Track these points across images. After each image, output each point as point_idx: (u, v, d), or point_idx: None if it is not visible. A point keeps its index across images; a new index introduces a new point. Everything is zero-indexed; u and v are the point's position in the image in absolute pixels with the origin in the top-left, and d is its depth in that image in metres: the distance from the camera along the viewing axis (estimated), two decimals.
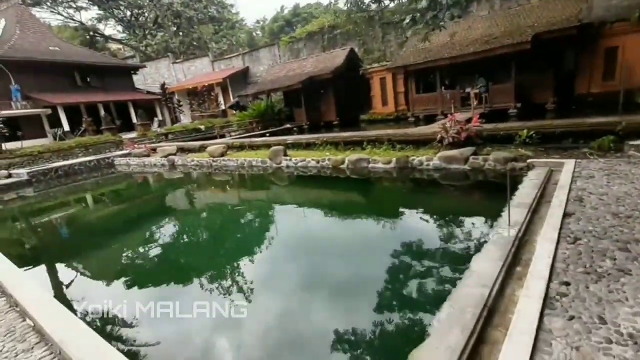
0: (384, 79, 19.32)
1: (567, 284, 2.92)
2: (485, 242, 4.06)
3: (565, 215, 4.25)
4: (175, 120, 29.04)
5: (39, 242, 8.62)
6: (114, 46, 44.29)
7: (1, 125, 17.64)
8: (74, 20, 40.56)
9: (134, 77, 30.33)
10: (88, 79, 26.27)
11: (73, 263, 6.69)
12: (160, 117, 29.00)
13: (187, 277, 5.27)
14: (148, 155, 16.86)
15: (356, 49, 22.26)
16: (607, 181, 5.26)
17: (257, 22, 48.19)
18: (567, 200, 4.70)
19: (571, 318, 2.50)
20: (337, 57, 20.76)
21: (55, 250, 7.80)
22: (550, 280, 2.99)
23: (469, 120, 8.83)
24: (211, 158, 13.63)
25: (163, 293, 4.84)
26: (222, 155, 13.61)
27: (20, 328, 3.42)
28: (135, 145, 18.74)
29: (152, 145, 18.13)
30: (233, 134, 19.83)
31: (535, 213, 4.63)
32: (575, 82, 13.62)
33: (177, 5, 35.09)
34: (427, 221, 6.35)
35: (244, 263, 5.54)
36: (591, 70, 13.20)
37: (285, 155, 11.95)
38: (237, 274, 5.17)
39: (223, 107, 28.21)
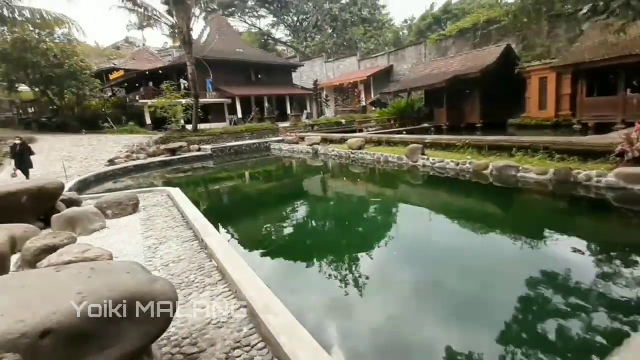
0: (545, 79, 16.31)
1: None
2: None
3: None
4: (321, 113, 31.23)
5: (217, 201, 10.67)
6: (280, 48, 50.19)
7: (200, 110, 22.23)
8: (255, 27, 47.71)
9: (293, 75, 33.81)
10: (259, 76, 30.54)
11: (236, 221, 8.11)
12: (309, 110, 31.66)
13: (310, 254, 5.74)
14: (297, 143, 18.55)
15: (514, 46, 19.42)
16: None
17: (405, 21, 46.96)
18: None
19: None
20: (489, 54, 18.53)
21: (225, 209, 9.69)
22: None
23: None
24: (350, 150, 14.15)
25: (292, 261, 5.59)
26: (360, 148, 13.96)
27: (208, 266, 4.05)
28: (288, 134, 20.94)
29: (301, 134, 19.93)
30: (371, 129, 20.09)
31: None
32: None
33: (336, 9, 37.16)
34: (592, 250, 5.11)
35: (362, 255, 5.49)
36: None
37: (423, 154, 11.49)
38: (351, 263, 5.21)
39: (364, 103, 28.84)
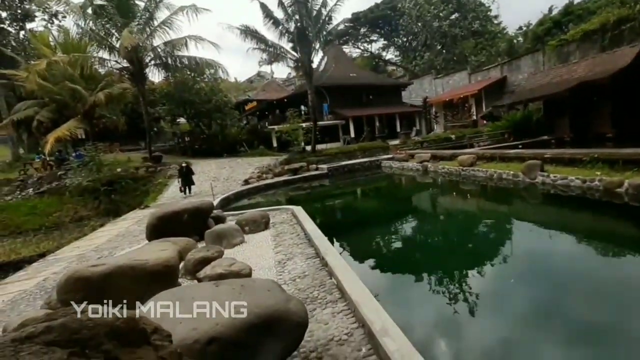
0: None
1: None
2: None
3: None
4: (430, 129, 30.93)
5: (333, 218, 11.41)
6: (390, 68, 51.17)
7: (317, 133, 24.71)
8: (367, 51, 50.03)
9: (402, 93, 34.24)
10: (370, 96, 31.56)
11: (352, 237, 8.45)
12: (417, 127, 31.62)
13: (423, 272, 5.88)
14: (407, 160, 18.67)
15: None
16: None
17: (520, 28, 42.44)
18: None
19: None
20: (621, 56, 15.85)
21: (341, 225, 10.36)
22: None
23: None
24: (460, 167, 13.96)
25: (406, 278, 5.80)
26: (472, 165, 13.73)
27: (328, 283, 4.20)
28: (398, 151, 21.35)
29: (410, 151, 20.29)
30: (482, 144, 19.29)
31: None
32: None
33: (445, 26, 36.41)
34: None
35: (475, 276, 5.37)
36: None
37: (542, 170, 10.86)
38: (464, 285, 5.10)
39: (474, 117, 27.51)
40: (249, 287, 2.56)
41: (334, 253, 4.96)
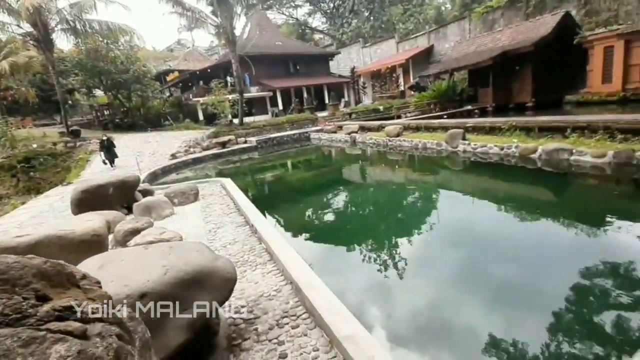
0: (611, 47, 14.46)
1: None
2: None
3: None
4: (358, 101, 30.65)
5: (263, 189, 11.24)
6: (317, 36, 49.74)
7: (244, 105, 23.13)
8: (292, 17, 47.69)
9: (330, 63, 33.42)
10: (297, 67, 30.64)
11: (280, 207, 8.62)
12: (346, 98, 31.22)
13: (348, 237, 6.09)
14: (335, 132, 18.48)
15: (573, 13, 17.41)
16: None
17: None
18: None
19: None
20: (543, 25, 16.79)
21: (270, 196, 10.35)
22: None
23: None
24: (387, 137, 13.79)
25: (332, 244, 5.95)
26: (398, 135, 13.54)
27: (258, 248, 4.56)
28: (326, 123, 20.92)
29: (339, 123, 19.76)
30: (409, 114, 19.33)
31: None
32: None
33: None
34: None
35: (398, 239, 5.67)
36: None
37: (464, 139, 10.85)
38: (387, 247, 5.38)
39: (402, 88, 27.78)
40: (177, 248, 2.80)
41: (262, 220, 5.30)
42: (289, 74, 29.96)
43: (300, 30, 46.68)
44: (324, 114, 25.09)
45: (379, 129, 15.73)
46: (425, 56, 26.87)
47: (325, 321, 2.64)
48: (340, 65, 34.50)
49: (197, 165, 15.73)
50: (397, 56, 28.27)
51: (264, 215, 5.96)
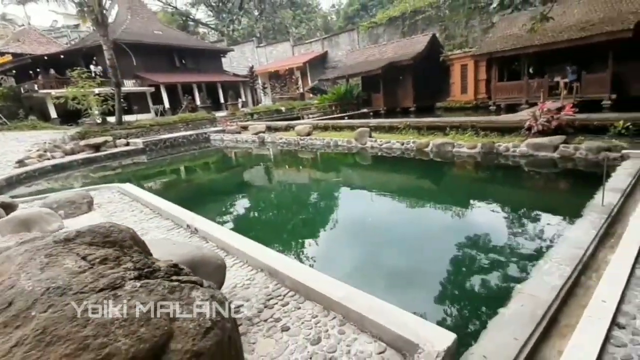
0: (466, 65, 19.09)
1: None
2: (579, 217, 4.53)
3: None
4: (257, 101, 31.37)
5: (168, 193, 10.24)
6: (202, 30, 48.02)
7: (123, 101, 20.92)
8: (170, 5, 44.84)
9: (222, 60, 33.08)
10: (184, 61, 29.25)
11: (205, 208, 8.27)
12: (243, 98, 31.54)
13: (267, 232, 6.61)
14: (239, 132, 18.73)
15: (437, 35, 22.08)
16: None
17: (333, 6, 48.49)
18: None
19: None
20: (418, 43, 20.85)
21: (187, 198, 9.42)
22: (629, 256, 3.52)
23: (559, 110, 8.93)
24: (299, 137, 15.06)
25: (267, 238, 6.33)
26: (309, 134, 14.96)
27: (207, 246, 4.42)
28: (228, 123, 20.96)
29: (243, 123, 20.17)
30: (312, 116, 21.17)
31: (630, 197, 5.07)
32: None
33: None
34: (516, 201, 6.95)
35: (317, 229, 6.48)
36: None
37: (371, 136, 12.91)
38: (296, 233, 6.30)
39: (302, 90, 29.78)
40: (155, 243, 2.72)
41: (201, 219, 5.19)
42: (174, 69, 28.46)
43: (181, 21, 44.34)
44: (222, 113, 24.95)
45: (287, 128, 16.93)
46: (321, 61, 29.44)
47: (317, 290, 2.95)
48: (234, 63, 34.51)
49: (59, 174, 13.50)
50: (295, 59, 30.08)
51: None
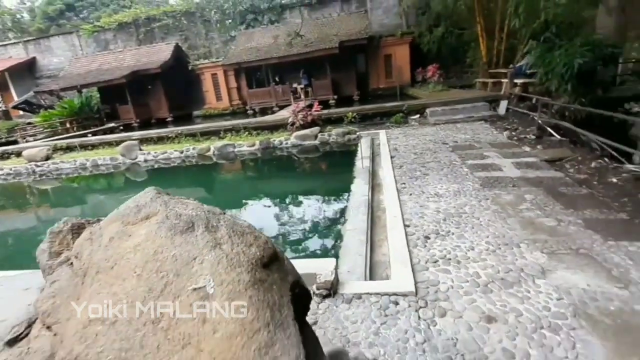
0: (216, 74, 20.32)
1: (404, 183, 5.47)
2: (354, 177, 6.29)
3: (392, 157, 7.07)
4: None
5: None
6: None
7: None
8: None
9: None
10: None
11: None
12: None
13: None
14: None
15: (180, 44, 22.25)
16: (405, 139, 8.62)
17: (22, 2, 39.22)
18: (389, 150, 7.63)
19: (411, 194, 4.98)
20: (162, 51, 20.26)
21: None
22: (396, 183, 5.49)
23: (310, 107, 11.35)
24: (33, 163, 11.65)
25: None
26: (49, 158, 11.86)
27: None
28: None
29: None
30: (39, 136, 16.65)
31: (374, 160, 7.35)
32: (369, 80, 18.66)
33: None
34: (309, 177, 8.46)
35: None
36: (378, 71, 18.42)
37: (141, 150, 11.73)
38: None
39: (3, 107, 22.49)
40: None
41: None
42: None
43: None
44: None
45: (5, 156, 12.89)
46: (28, 70, 23.31)
47: None
48: None
49: None
50: None
51: None
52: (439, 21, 16.15)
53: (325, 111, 11.79)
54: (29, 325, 1.15)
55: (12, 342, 1.12)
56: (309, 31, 17.47)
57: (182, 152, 11.28)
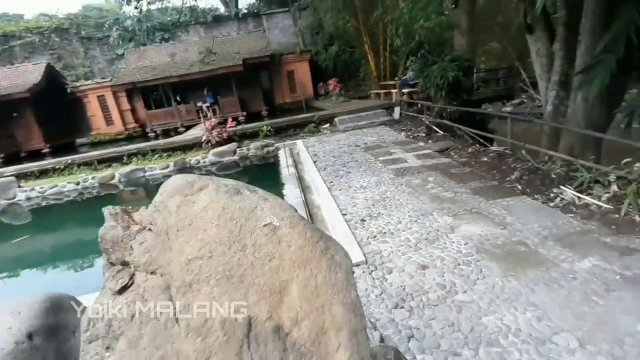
0: (103, 96, 18.76)
1: (332, 182, 6.30)
2: (284, 183, 6.86)
3: (314, 162, 7.89)
4: None
5: None
6: None
7: None
8: None
9: None
10: None
11: None
12: None
13: None
14: None
15: (53, 64, 19.96)
16: (322, 145, 9.58)
17: None
18: (310, 156, 8.45)
19: (340, 189, 5.82)
20: (30, 72, 17.89)
21: None
22: (325, 182, 6.27)
23: (223, 124, 11.56)
24: None
25: None
26: None
27: None
28: None
29: None
30: None
31: (297, 166, 8.07)
32: (274, 95, 19.53)
33: None
34: None
35: None
36: (282, 87, 19.43)
37: (20, 187, 10.35)
38: None
39: None
40: None
41: None
42: None
43: None
44: None
45: None
46: None
47: None
48: None
49: None
50: None
51: None
52: (332, 40, 18.01)
53: (240, 127, 12.15)
54: (131, 277, 1.50)
55: (122, 290, 1.47)
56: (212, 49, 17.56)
57: (78, 184, 10.30)
